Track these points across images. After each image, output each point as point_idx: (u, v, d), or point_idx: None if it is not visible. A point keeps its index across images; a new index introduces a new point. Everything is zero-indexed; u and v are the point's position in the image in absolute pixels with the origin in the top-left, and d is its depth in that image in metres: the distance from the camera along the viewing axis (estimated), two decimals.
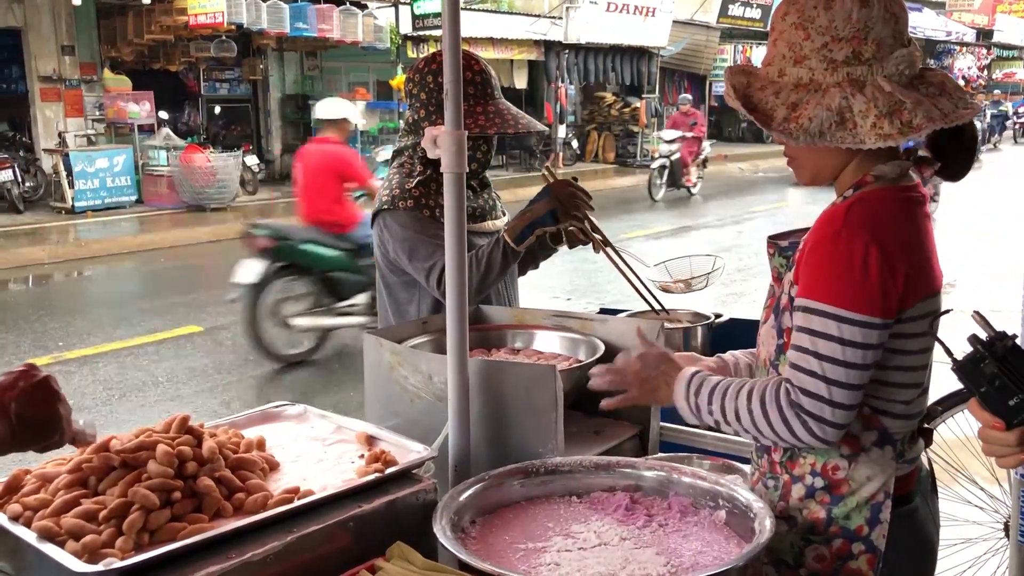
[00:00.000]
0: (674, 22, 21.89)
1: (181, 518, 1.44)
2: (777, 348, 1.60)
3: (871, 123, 1.44)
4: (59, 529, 1.38)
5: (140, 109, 15.27)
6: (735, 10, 23.25)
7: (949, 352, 1.28)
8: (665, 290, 2.86)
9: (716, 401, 1.56)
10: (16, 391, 1.25)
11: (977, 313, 1.24)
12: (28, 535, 1.39)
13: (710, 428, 1.64)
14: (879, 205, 1.49)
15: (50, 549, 1.35)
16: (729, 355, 1.85)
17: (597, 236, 2.46)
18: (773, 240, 1.67)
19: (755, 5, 23.62)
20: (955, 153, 1.57)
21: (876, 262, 1.43)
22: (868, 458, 1.55)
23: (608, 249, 2.46)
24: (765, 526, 1.47)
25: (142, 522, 1.39)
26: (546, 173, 2.47)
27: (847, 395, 1.45)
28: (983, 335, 1.23)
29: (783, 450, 1.62)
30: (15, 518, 1.44)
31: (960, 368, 1.25)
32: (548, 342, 2.33)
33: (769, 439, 1.52)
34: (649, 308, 2.63)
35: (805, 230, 1.61)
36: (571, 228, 2.57)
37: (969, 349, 1.24)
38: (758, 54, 23.73)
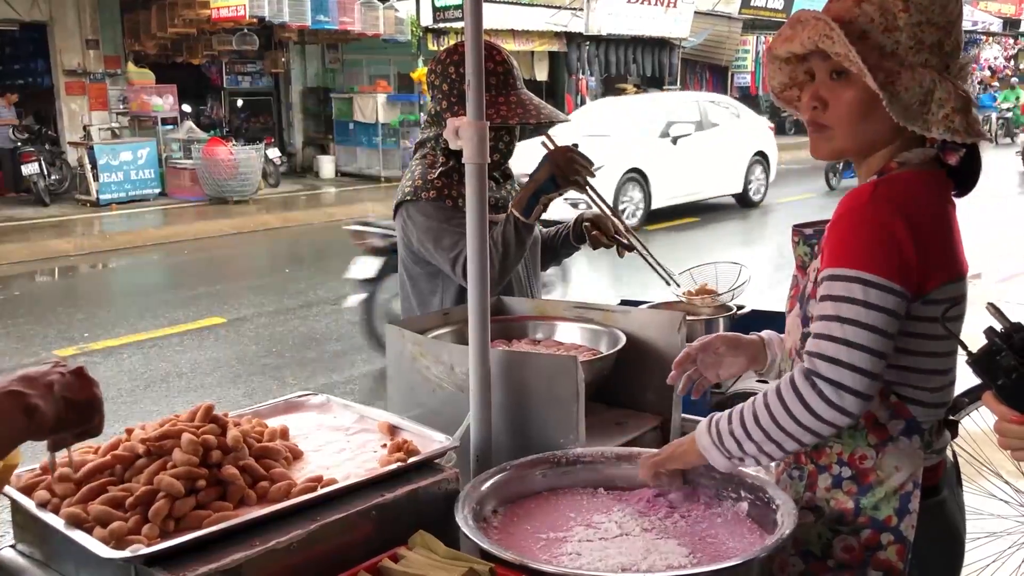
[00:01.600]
0: (696, 13, 21.76)
1: (206, 506, 1.45)
2: (804, 336, 1.58)
3: (944, 114, 1.42)
4: (86, 516, 1.40)
5: (163, 102, 15.38)
6: (757, 1, 23.06)
7: (964, 345, 1.26)
8: (690, 303, 2.80)
9: (735, 419, 1.51)
10: (58, 376, 1.26)
11: (992, 305, 1.22)
12: (56, 521, 1.41)
13: (736, 464, 1.56)
14: (906, 184, 1.48)
15: (78, 535, 1.37)
16: (767, 335, 1.84)
17: (623, 238, 2.46)
18: (798, 228, 1.66)
19: None
20: (968, 168, 1.55)
21: (901, 234, 1.41)
22: (896, 447, 1.54)
23: (633, 245, 2.46)
24: (788, 517, 1.47)
25: (167, 509, 1.41)
26: (545, 140, 2.46)
27: (868, 360, 1.39)
28: (999, 327, 1.21)
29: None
30: (43, 504, 1.46)
31: (976, 361, 1.23)
32: (569, 333, 2.33)
33: (790, 432, 1.44)
34: (672, 300, 2.63)
35: (828, 220, 1.60)
36: (594, 233, 2.57)
37: (985, 343, 1.22)
38: None
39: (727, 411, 1.55)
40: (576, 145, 2.43)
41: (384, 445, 1.73)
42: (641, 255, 2.53)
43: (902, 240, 1.42)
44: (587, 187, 2.40)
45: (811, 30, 1.50)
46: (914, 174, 1.50)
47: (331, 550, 1.46)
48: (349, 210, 13.98)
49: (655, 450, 1.71)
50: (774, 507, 1.54)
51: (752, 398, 1.52)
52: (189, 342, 7.23)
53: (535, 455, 1.75)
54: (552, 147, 2.41)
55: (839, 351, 1.40)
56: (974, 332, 1.41)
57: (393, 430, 1.80)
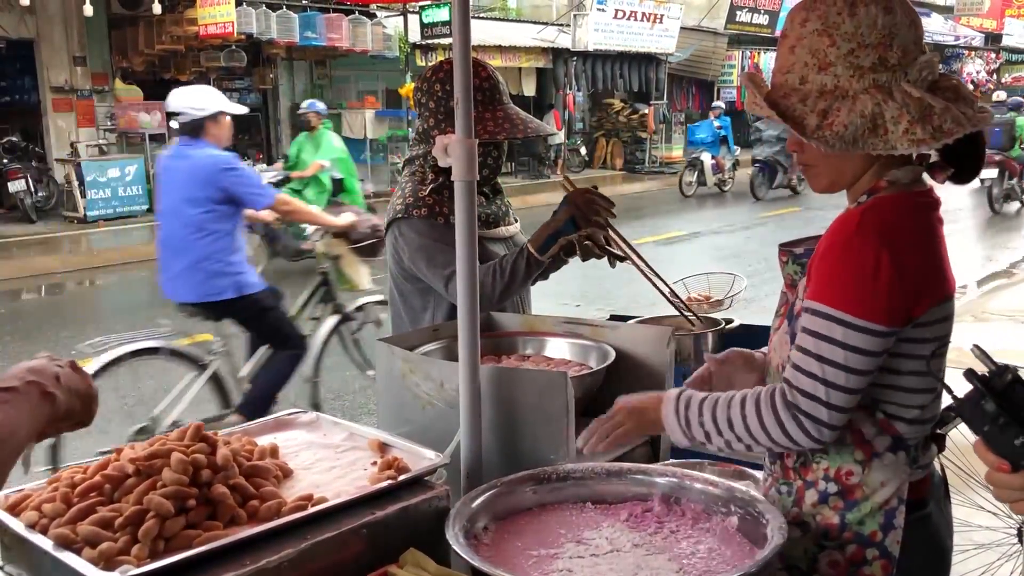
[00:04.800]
0: (682, 28, 21.92)
1: (196, 525, 1.44)
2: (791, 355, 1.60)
3: (903, 129, 1.44)
4: (75, 537, 1.39)
5: (151, 119, 15.34)
6: (743, 16, 23.26)
7: (949, 390, 1.23)
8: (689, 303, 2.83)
9: (707, 412, 1.56)
10: (58, 369, 1.29)
11: (976, 347, 1.19)
12: (45, 543, 1.40)
13: (699, 447, 1.62)
14: (892, 210, 1.49)
15: (67, 557, 1.36)
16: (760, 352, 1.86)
17: (616, 249, 2.47)
18: (786, 247, 1.68)
19: (763, 11, 23.62)
20: (968, 158, 1.57)
21: (887, 269, 1.43)
22: (882, 463, 1.55)
23: (632, 259, 2.47)
24: (777, 532, 1.48)
25: (157, 529, 1.40)
26: (565, 183, 2.49)
27: (844, 398, 1.46)
28: (982, 370, 1.16)
29: (796, 455, 1.62)
30: (31, 525, 1.46)
31: (959, 408, 1.18)
32: (559, 349, 2.34)
33: (763, 444, 1.53)
34: (666, 315, 2.64)
35: (818, 237, 1.61)
36: (586, 242, 2.58)
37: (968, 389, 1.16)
38: (766, 60, 23.71)
39: (694, 397, 1.60)
40: (595, 187, 2.45)
41: (374, 463, 1.72)
42: (637, 267, 2.53)
43: (888, 275, 1.43)
44: (608, 228, 2.42)
45: (748, 96, 1.59)
46: (901, 197, 1.52)
47: (322, 568, 1.46)
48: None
49: (605, 417, 1.72)
50: (764, 521, 1.54)
51: (725, 397, 1.56)
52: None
53: (525, 471, 1.75)
54: (571, 189, 2.43)
55: (818, 389, 1.46)
56: (957, 345, 1.42)
57: (383, 447, 1.80)
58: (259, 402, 4.90)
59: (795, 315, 1.59)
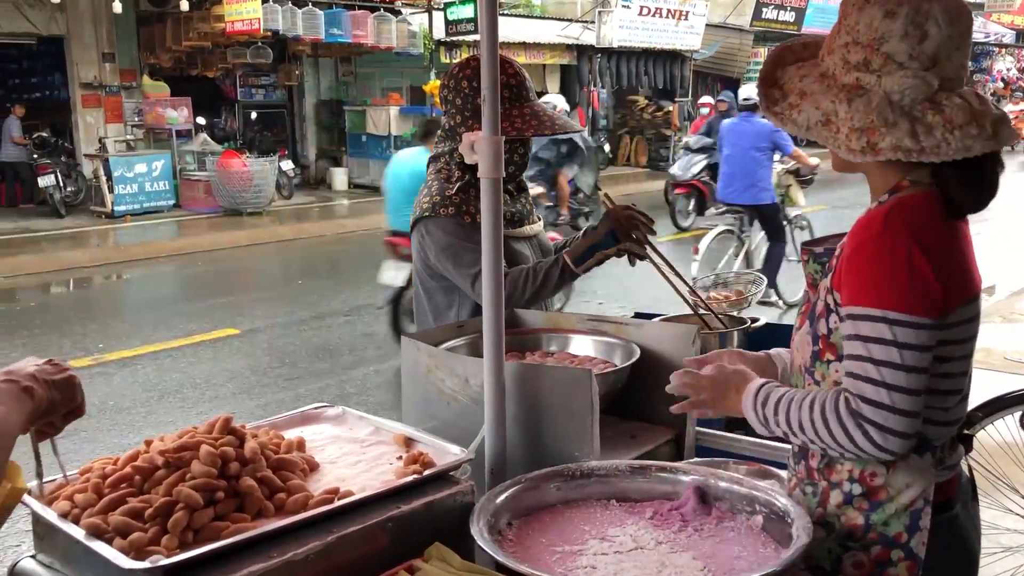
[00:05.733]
0: (707, 25, 21.78)
1: (224, 517, 1.46)
2: (812, 355, 1.59)
3: (845, 133, 1.46)
4: (106, 526, 1.42)
5: (178, 115, 15.49)
6: (769, 13, 23.06)
7: None
8: (710, 299, 2.86)
9: (782, 412, 1.54)
10: (34, 366, 1.35)
11: None
12: (77, 532, 1.43)
13: (781, 440, 1.62)
14: (917, 208, 1.48)
15: (98, 546, 1.38)
16: (775, 352, 1.85)
17: (655, 257, 2.48)
18: (807, 246, 1.67)
19: (789, 8, 23.41)
20: (958, 186, 1.49)
21: (921, 262, 1.41)
22: (907, 465, 1.54)
23: (663, 271, 2.48)
24: (803, 532, 1.47)
25: (186, 521, 1.42)
26: (605, 199, 2.51)
27: (909, 401, 1.41)
28: None
29: (820, 456, 1.61)
30: (64, 515, 1.48)
31: None
32: (583, 346, 2.34)
33: (835, 451, 1.49)
34: (688, 313, 2.64)
35: (840, 236, 1.60)
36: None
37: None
38: None
39: (772, 394, 1.57)
40: (634, 204, 2.48)
41: (399, 457, 1.74)
42: (659, 269, 2.53)
43: (922, 268, 1.41)
44: (647, 244, 2.43)
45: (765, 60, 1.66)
46: (925, 195, 1.50)
47: (348, 562, 1.47)
48: (361, 222, 14.04)
49: (699, 374, 1.70)
50: (788, 521, 1.54)
51: (799, 397, 1.53)
52: (203, 353, 7.26)
53: (550, 468, 1.75)
54: (612, 205, 2.44)
55: (880, 394, 1.42)
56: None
57: (408, 442, 1.81)
58: (771, 270, 7.96)
59: (816, 315, 1.58)
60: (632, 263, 2.60)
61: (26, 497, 1.51)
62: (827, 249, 1.61)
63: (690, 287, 2.63)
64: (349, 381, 6.51)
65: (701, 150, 12.68)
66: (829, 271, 1.56)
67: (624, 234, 2.39)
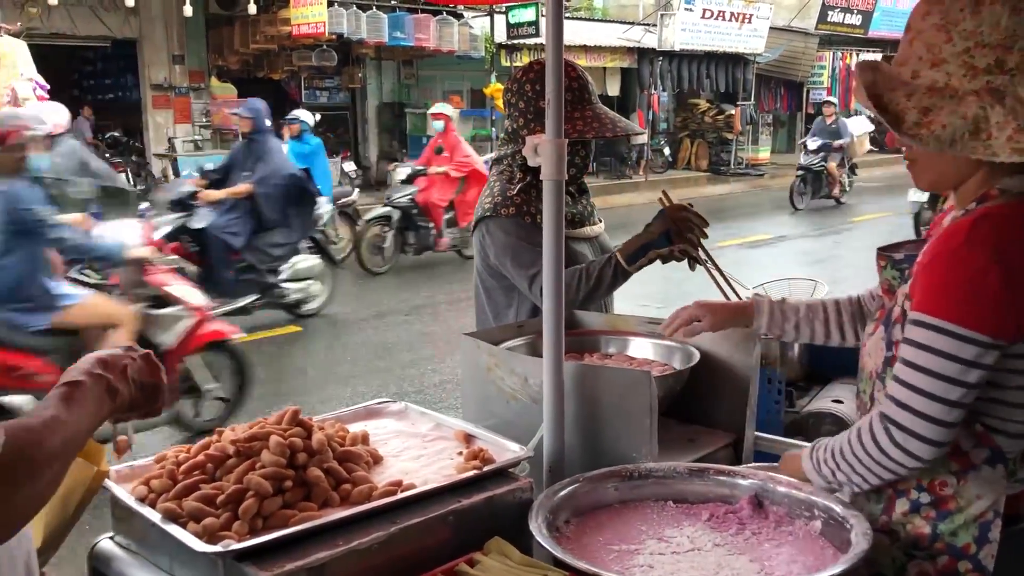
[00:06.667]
0: (771, 28, 21.52)
1: (292, 506, 1.51)
2: (885, 360, 1.58)
3: (1007, 136, 1.39)
4: (181, 511, 1.48)
5: None
6: (835, 16, 22.70)
7: None
8: None
9: (829, 450, 1.60)
10: (130, 360, 1.35)
11: None
12: (153, 515, 1.49)
13: (837, 487, 1.65)
14: (1003, 221, 1.45)
15: (173, 529, 1.45)
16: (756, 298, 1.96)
17: (705, 259, 2.48)
18: (885, 252, 1.65)
19: (855, 11, 23.01)
20: None
21: (996, 280, 1.39)
22: (978, 476, 1.52)
23: (710, 267, 2.47)
24: (862, 538, 1.47)
25: (256, 508, 1.47)
26: (662, 197, 2.51)
27: (945, 411, 1.42)
28: None
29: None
30: (141, 499, 1.55)
31: None
32: (641, 348, 2.35)
33: (871, 468, 1.52)
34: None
35: (920, 242, 1.59)
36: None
37: None
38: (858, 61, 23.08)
39: (825, 451, 1.62)
40: (691, 204, 2.47)
41: (460, 453, 1.77)
42: (710, 273, 2.53)
43: (996, 287, 1.39)
44: (699, 247, 2.43)
45: (855, 85, 1.57)
46: (1013, 207, 1.47)
47: (409, 553, 1.51)
48: None
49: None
50: (848, 527, 1.53)
51: (840, 441, 1.58)
52: (267, 349, 7.41)
53: (607, 468, 1.77)
54: (668, 203, 2.45)
55: (911, 398, 1.44)
56: None
57: (469, 438, 1.85)
58: None
59: (892, 321, 1.57)
60: (691, 267, 2.60)
61: (106, 481, 1.58)
62: (908, 256, 1.59)
63: (740, 286, 2.60)
64: (407, 379, 6.59)
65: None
66: (908, 278, 1.54)
67: (678, 235, 2.39)
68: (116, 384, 1.28)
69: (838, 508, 1.58)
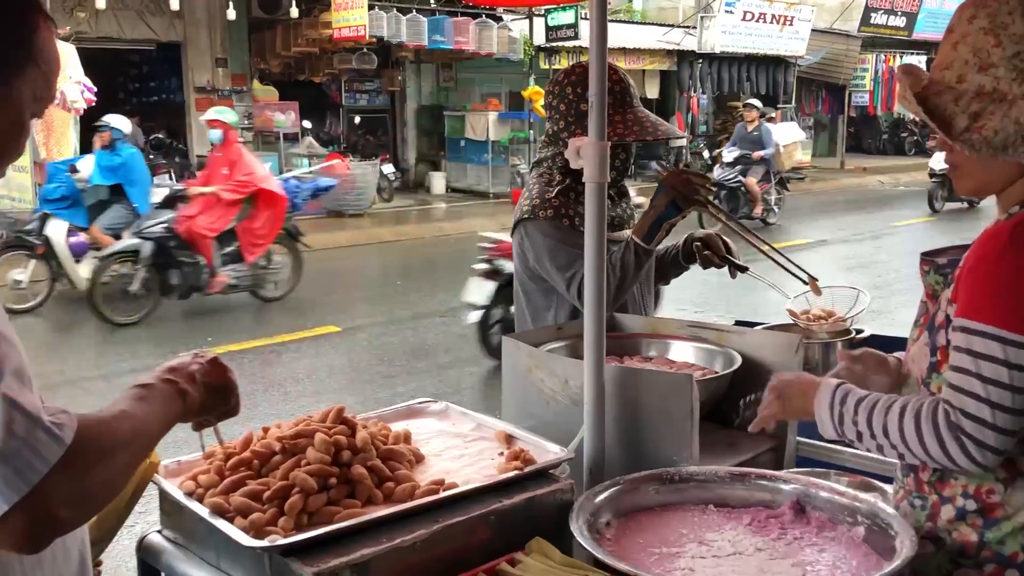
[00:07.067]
0: (813, 31, 21.28)
1: (336, 503, 1.54)
2: (930, 366, 1.56)
3: None
4: (228, 506, 1.51)
5: (286, 119, 16.01)
6: (878, 18, 22.38)
7: None
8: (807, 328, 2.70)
9: (863, 413, 1.53)
10: (197, 366, 1.39)
11: None
12: (201, 510, 1.52)
13: (846, 443, 1.61)
14: None
15: (221, 524, 1.47)
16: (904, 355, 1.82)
17: (734, 259, 2.46)
18: (928, 257, 1.63)
19: (900, 13, 22.67)
20: None
21: None
22: None
23: (745, 266, 2.46)
24: (908, 544, 1.45)
25: (302, 504, 1.50)
26: (659, 169, 2.50)
27: (1011, 420, 1.39)
28: None
29: (932, 470, 1.58)
30: (189, 494, 1.58)
31: None
32: (683, 352, 2.35)
33: (919, 457, 1.48)
34: (788, 322, 2.61)
35: (963, 247, 1.57)
36: (705, 252, 2.58)
37: None
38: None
39: (852, 393, 1.56)
40: (688, 165, 2.46)
41: (501, 453, 1.78)
42: (727, 224, 2.51)
43: None
44: (709, 204, 2.42)
45: (899, 90, 1.54)
46: None
47: (451, 551, 1.52)
48: (458, 225, 14.25)
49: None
50: (892, 533, 1.52)
51: (884, 401, 1.52)
52: (306, 349, 7.50)
53: (648, 471, 1.77)
54: (664, 172, 2.44)
55: (983, 411, 1.40)
56: None
57: (509, 439, 1.86)
58: None
59: (936, 326, 1.55)
60: (733, 275, 2.59)
61: (155, 476, 1.62)
62: (951, 260, 1.57)
63: (779, 251, 2.55)
64: (445, 380, 6.62)
65: None
66: (952, 282, 1.53)
67: (684, 199, 2.37)
68: (185, 386, 1.32)
69: (883, 514, 1.57)
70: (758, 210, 13.58)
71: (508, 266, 6.47)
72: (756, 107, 13.90)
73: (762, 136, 13.44)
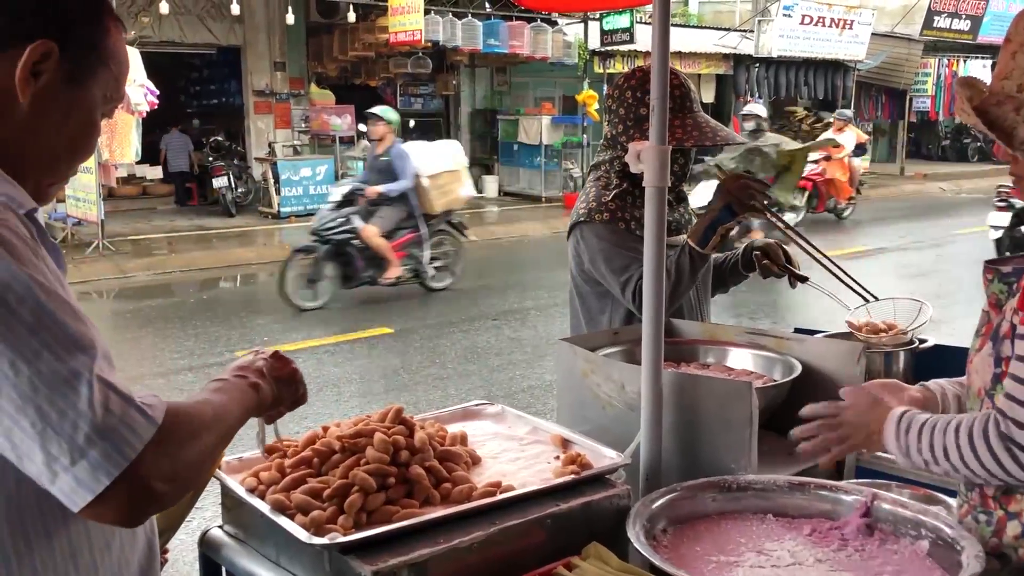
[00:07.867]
0: (873, 35, 20.90)
1: (394, 502, 1.55)
2: (994, 377, 1.53)
3: None
4: (289, 503, 1.53)
5: (342, 122, 16.20)
6: (941, 22, 21.90)
7: None
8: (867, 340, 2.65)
9: (925, 438, 1.50)
10: (263, 361, 1.44)
11: None
12: (263, 506, 1.55)
13: (921, 470, 1.57)
14: None
15: (282, 520, 1.50)
16: (934, 384, 1.77)
17: (794, 268, 2.42)
18: (992, 265, 1.60)
19: (964, 16, 22.15)
20: None
21: None
22: None
23: (805, 276, 2.42)
24: (974, 560, 1.42)
25: (361, 503, 1.51)
26: (716, 171, 2.48)
27: None
28: None
29: (996, 485, 1.54)
30: (251, 490, 1.61)
31: None
32: (740, 359, 2.32)
33: (980, 476, 1.45)
34: (848, 332, 2.56)
35: None
36: (764, 262, 2.56)
37: None
38: (965, 69, 22.22)
39: (915, 420, 1.53)
40: (747, 171, 2.44)
41: (557, 457, 1.78)
42: (784, 232, 2.48)
43: None
44: (766, 211, 2.40)
45: (957, 103, 1.52)
46: None
47: (507, 554, 1.52)
48: (510, 229, 14.26)
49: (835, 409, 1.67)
50: (958, 549, 1.48)
51: (943, 422, 1.50)
52: (359, 350, 7.57)
53: (706, 478, 1.76)
54: (723, 176, 2.42)
55: None
56: None
57: (565, 443, 1.86)
58: None
59: (1000, 336, 1.52)
60: (792, 285, 2.56)
61: (217, 471, 1.65)
62: (1016, 269, 1.54)
63: (835, 263, 2.52)
64: (496, 383, 6.63)
65: None
66: (1017, 291, 1.49)
67: (740, 204, 2.35)
68: (256, 380, 1.37)
69: (948, 529, 1.53)
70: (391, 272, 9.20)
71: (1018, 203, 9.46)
72: (380, 116, 9.04)
73: (393, 163, 8.87)
